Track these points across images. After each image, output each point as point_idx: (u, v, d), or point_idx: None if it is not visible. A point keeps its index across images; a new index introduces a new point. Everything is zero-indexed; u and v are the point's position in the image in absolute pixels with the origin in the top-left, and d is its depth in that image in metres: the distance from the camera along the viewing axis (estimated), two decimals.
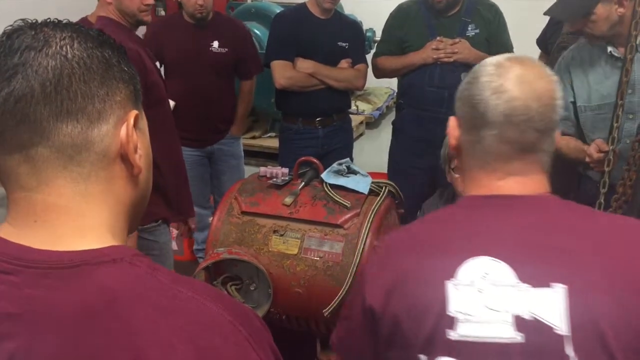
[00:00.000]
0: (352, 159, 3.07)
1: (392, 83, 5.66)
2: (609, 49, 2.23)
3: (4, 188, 0.72)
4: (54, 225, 0.70)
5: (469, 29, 2.95)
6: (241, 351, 0.68)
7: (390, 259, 1.09)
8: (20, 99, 0.67)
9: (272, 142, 5.25)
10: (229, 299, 0.72)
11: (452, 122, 1.14)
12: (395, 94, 7.00)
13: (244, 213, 1.85)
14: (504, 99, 1.03)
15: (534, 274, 0.96)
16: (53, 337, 0.64)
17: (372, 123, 6.34)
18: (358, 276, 1.18)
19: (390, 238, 1.18)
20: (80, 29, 0.72)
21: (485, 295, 0.96)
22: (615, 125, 1.85)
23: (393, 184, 1.91)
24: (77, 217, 0.71)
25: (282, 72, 2.97)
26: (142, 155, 0.76)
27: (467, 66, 2.92)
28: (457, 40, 2.91)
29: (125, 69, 0.74)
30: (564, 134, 2.45)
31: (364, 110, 5.74)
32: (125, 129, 0.73)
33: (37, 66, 0.67)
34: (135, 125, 0.74)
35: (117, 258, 0.69)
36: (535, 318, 0.94)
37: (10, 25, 0.70)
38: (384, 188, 1.87)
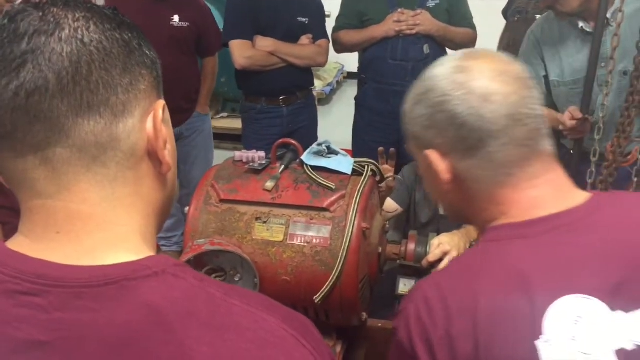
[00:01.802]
0: (317, 137, 3.01)
1: (341, 58, 5.61)
2: (580, 24, 2.23)
3: (16, 195, 0.62)
4: (79, 237, 0.61)
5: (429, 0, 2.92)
6: None
7: (451, 334, 0.87)
8: (33, 93, 0.57)
9: (224, 123, 5.14)
10: (284, 309, 0.65)
11: (433, 155, 0.97)
12: (344, 69, 6.99)
13: (222, 201, 1.75)
14: (499, 102, 0.90)
15: (623, 298, 0.84)
16: None
17: (323, 99, 6.29)
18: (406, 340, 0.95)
19: (433, 308, 0.91)
20: (93, 7, 0.62)
21: (579, 342, 0.83)
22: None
23: (375, 162, 1.86)
24: (106, 225, 0.62)
25: (241, 52, 2.85)
26: (169, 151, 0.67)
27: (430, 38, 2.91)
28: (418, 11, 2.88)
29: (147, 52, 0.66)
30: None
31: (314, 87, 5.68)
32: (153, 122, 0.64)
33: (49, 53, 0.57)
34: (162, 116, 0.65)
35: (158, 271, 0.60)
36: (638, 345, 0.82)
37: (11, 4, 0.60)
38: (366, 167, 1.81)
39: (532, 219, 0.91)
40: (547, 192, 0.94)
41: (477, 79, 0.92)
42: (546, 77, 2.38)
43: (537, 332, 0.83)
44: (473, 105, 0.91)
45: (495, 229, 0.95)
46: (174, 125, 3.00)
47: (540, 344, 0.82)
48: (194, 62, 3.26)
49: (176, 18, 3.07)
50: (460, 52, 0.98)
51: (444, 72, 0.95)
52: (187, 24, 3.09)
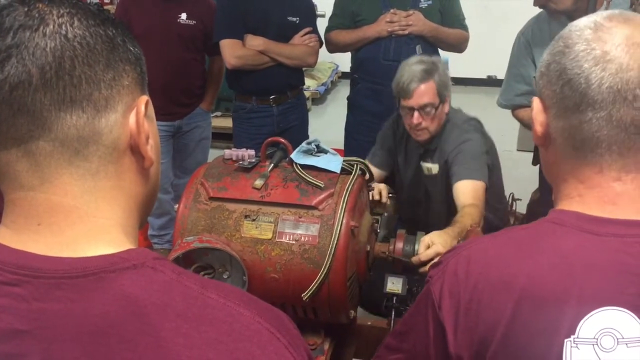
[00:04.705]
0: (308, 136, 3.02)
1: (336, 58, 5.63)
2: None
3: (0, 187, 0.63)
4: (61, 228, 0.62)
5: (422, 0, 2.93)
6: None
7: (481, 302, 0.85)
8: (17, 87, 0.58)
9: (218, 122, 5.13)
10: (261, 303, 0.66)
11: (536, 104, 0.90)
12: (338, 68, 7.01)
13: (212, 199, 1.76)
14: (611, 70, 0.80)
15: None
16: (71, 356, 0.57)
17: (317, 99, 6.30)
18: (422, 307, 0.95)
19: (472, 270, 0.88)
20: (78, 3, 0.63)
21: (609, 355, 0.79)
22: None
23: (364, 161, 1.87)
24: (87, 218, 0.63)
25: (232, 52, 2.85)
26: (152, 146, 0.68)
27: (422, 38, 2.93)
28: (410, 12, 2.89)
29: (131, 48, 0.66)
30: (525, 107, 2.50)
31: (309, 86, 5.69)
32: (135, 117, 0.65)
33: (33, 48, 0.59)
34: (145, 112, 0.66)
35: (137, 263, 0.61)
36: None
37: None
38: (355, 166, 1.83)
39: (607, 217, 0.83)
40: (634, 193, 0.84)
41: (605, 40, 0.82)
42: (535, 77, 2.40)
43: (570, 332, 0.79)
44: (584, 65, 0.82)
45: (563, 212, 0.87)
46: (174, 118, 3.01)
47: (568, 342, 0.79)
48: (199, 59, 3.29)
49: (183, 16, 3.10)
50: (617, 12, 0.87)
51: (583, 24, 0.86)
52: (194, 22, 3.12)
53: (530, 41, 2.40)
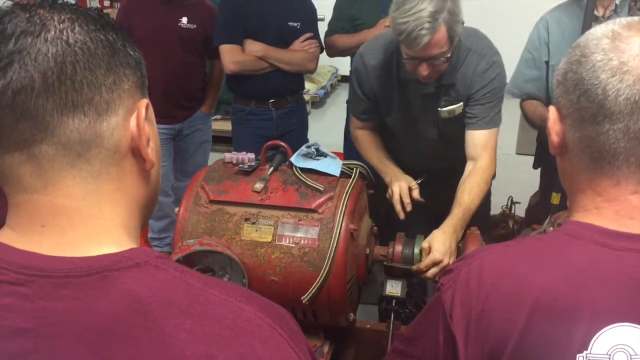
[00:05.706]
0: (307, 140, 3.03)
1: (335, 62, 5.65)
2: None
3: (4, 190, 0.64)
4: (64, 230, 0.63)
5: None
6: (283, 355, 0.63)
7: (492, 313, 0.85)
8: (20, 92, 0.59)
9: (218, 125, 5.15)
10: (262, 300, 0.67)
11: (553, 113, 0.89)
12: (338, 72, 7.03)
13: (212, 202, 1.77)
14: (628, 82, 0.79)
15: None
16: (76, 353, 0.58)
17: (317, 102, 6.32)
18: (431, 315, 0.96)
19: (484, 280, 0.87)
20: (78, 9, 0.64)
21: None
22: None
23: (363, 164, 1.88)
24: (90, 219, 0.64)
25: (231, 57, 2.86)
26: (153, 148, 0.69)
27: None
28: None
29: (131, 52, 0.68)
30: (532, 97, 2.50)
31: (308, 90, 5.70)
32: (136, 120, 0.66)
33: (35, 54, 0.60)
34: (145, 115, 0.68)
35: (140, 262, 0.63)
36: None
37: None
38: (355, 169, 1.84)
39: (624, 231, 0.83)
40: None
41: (622, 51, 0.80)
42: (547, 62, 2.42)
43: (582, 347, 0.79)
44: (601, 76, 0.80)
45: (579, 224, 0.86)
46: (175, 121, 3.03)
47: (580, 357, 0.79)
48: (200, 62, 3.31)
49: (184, 20, 3.13)
50: (637, 18, 0.85)
51: (601, 32, 0.84)
52: (195, 25, 3.15)
53: (549, 25, 2.42)
